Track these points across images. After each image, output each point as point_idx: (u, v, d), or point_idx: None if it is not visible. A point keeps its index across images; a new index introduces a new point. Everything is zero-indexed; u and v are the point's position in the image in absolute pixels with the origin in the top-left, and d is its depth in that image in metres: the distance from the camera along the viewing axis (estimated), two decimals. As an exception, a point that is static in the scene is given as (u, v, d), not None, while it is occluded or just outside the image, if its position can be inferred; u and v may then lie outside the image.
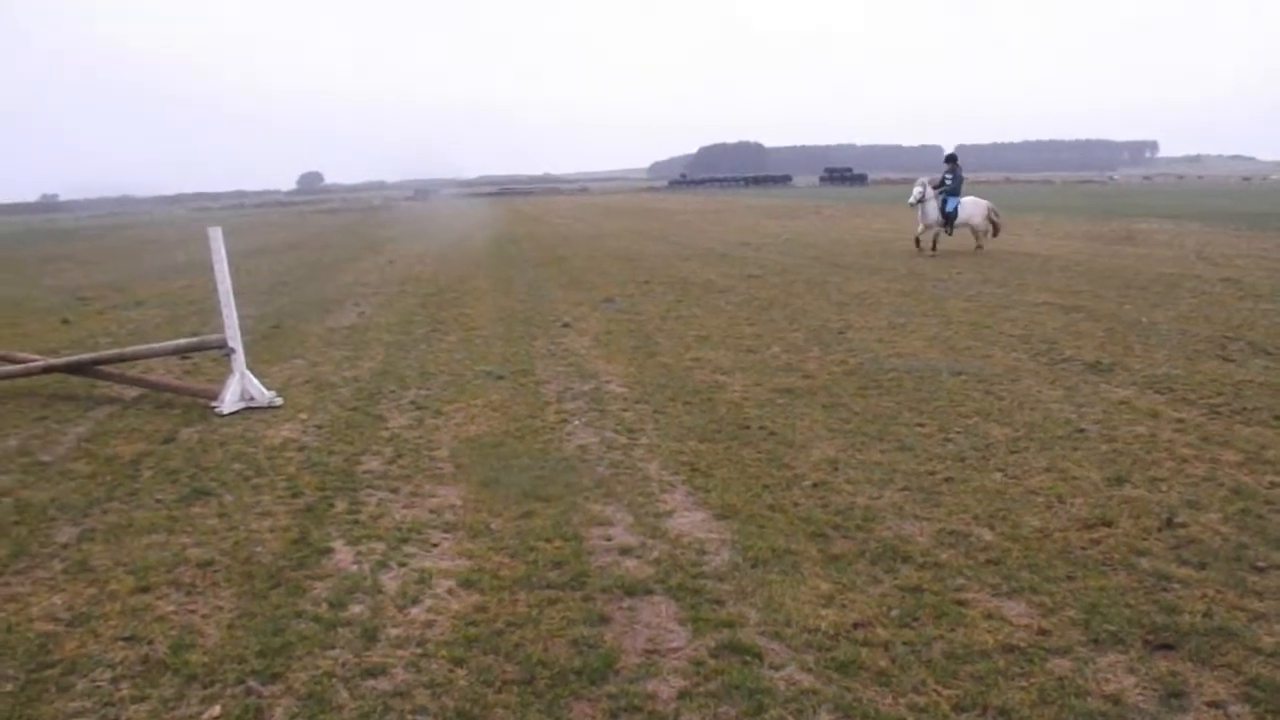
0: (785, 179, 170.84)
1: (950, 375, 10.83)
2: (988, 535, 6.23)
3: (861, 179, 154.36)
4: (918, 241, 27.22)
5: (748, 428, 9.03)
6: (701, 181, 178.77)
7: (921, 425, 8.90)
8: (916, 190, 26.52)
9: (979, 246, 27.00)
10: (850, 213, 52.93)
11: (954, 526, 6.39)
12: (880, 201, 70.59)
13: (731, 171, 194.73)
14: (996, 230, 27.55)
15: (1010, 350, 12.20)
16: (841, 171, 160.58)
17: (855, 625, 5.05)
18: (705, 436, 8.81)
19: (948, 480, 7.33)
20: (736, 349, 13.04)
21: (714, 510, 6.87)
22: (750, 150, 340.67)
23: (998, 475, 7.41)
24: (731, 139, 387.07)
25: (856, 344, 13.02)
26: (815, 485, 7.30)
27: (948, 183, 26.62)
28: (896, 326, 14.35)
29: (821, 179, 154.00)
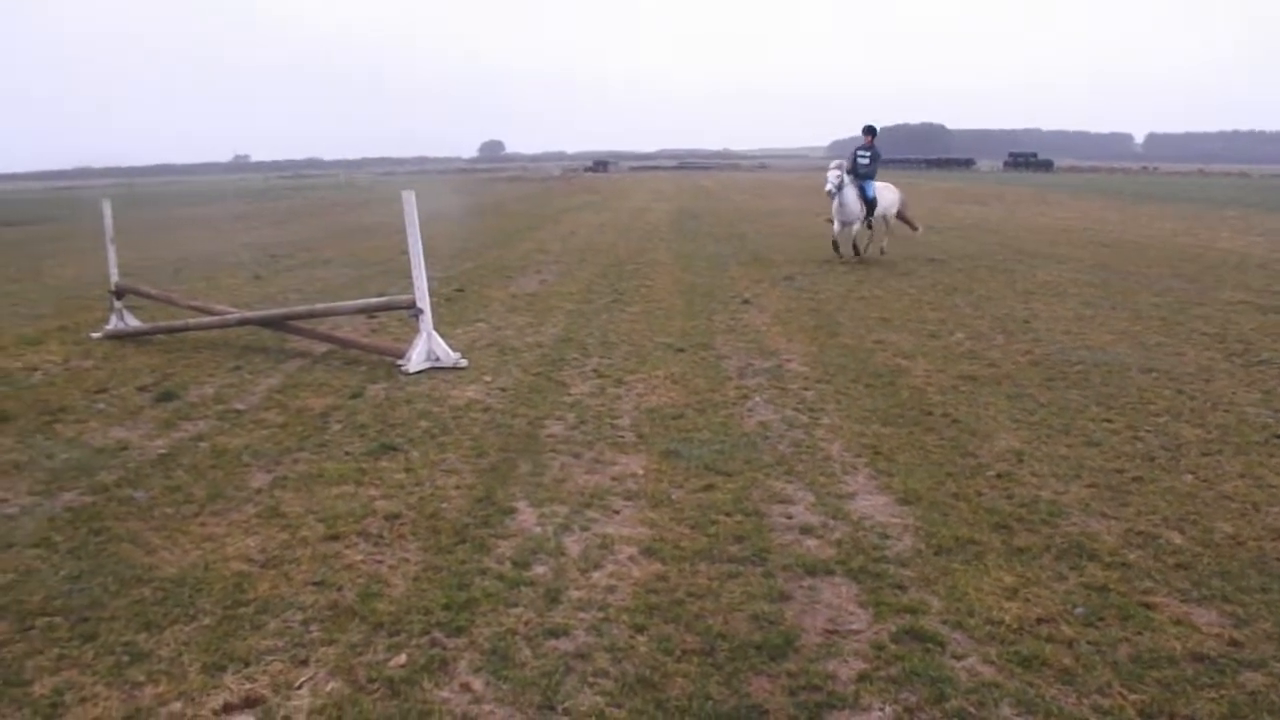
0: (968, 162, 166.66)
1: (1140, 371, 10.51)
2: (1178, 539, 6.06)
3: (1047, 165, 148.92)
4: (835, 245, 22.17)
5: (931, 413, 8.95)
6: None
7: (1109, 421, 8.68)
8: (833, 175, 20.95)
9: (882, 250, 22.54)
10: (1035, 199, 51.53)
11: (1142, 527, 6.23)
12: (1066, 189, 68.50)
13: (913, 153, 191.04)
14: (913, 225, 23.97)
15: (1203, 349, 11.76)
16: (1027, 156, 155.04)
17: (1039, 620, 4.98)
18: (888, 420, 8.75)
19: (1136, 479, 7.14)
20: (919, 333, 12.91)
21: (896, 495, 6.84)
22: (933, 132, 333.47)
23: (1189, 477, 7.19)
24: (914, 120, 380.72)
25: (1042, 334, 12.75)
26: (1000, 476, 7.21)
27: (862, 162, 21.50)
28: (1084, 318, 13.97)
29: (1005, 164, 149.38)
